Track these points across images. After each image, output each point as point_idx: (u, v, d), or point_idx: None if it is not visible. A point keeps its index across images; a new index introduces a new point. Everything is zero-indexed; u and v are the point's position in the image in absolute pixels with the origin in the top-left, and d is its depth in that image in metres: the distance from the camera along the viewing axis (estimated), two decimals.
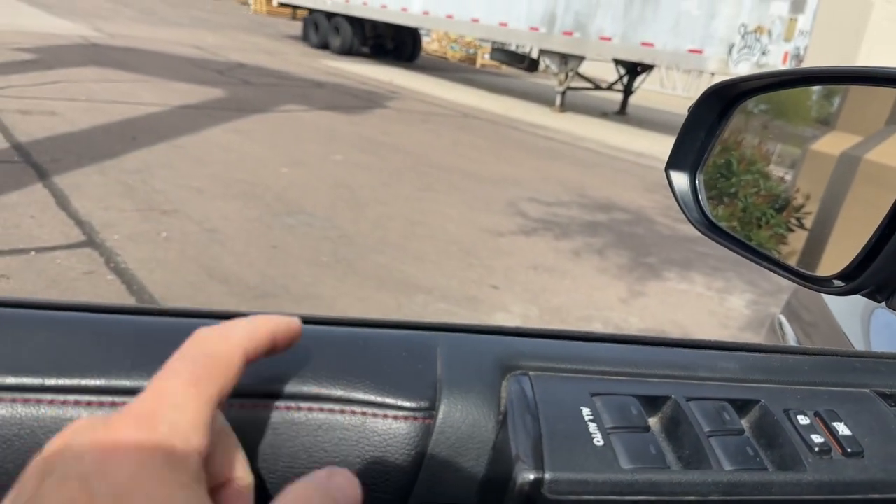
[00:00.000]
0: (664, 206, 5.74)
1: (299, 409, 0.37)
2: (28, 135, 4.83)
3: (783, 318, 1.75)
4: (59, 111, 5.63)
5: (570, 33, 10.05)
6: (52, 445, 0.28)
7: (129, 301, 2.80)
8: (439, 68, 15.00)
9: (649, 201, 5.84)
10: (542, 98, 11.88)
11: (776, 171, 0.92)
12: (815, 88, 1.01)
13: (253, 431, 0.36)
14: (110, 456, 0.27)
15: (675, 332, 3.33)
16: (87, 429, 0.29)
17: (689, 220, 0.73)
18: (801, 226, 0.84)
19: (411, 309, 3.15)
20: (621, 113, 11.44)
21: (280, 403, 0.37)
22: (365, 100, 8.89)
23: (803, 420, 0.43)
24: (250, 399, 0.36)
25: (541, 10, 10.36)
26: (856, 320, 1.40)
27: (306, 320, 0.41)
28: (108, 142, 4.99)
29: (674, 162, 0.72)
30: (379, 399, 0.38)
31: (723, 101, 0.69)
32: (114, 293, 2.83)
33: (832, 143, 0.91)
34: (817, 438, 0.41)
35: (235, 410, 0.36)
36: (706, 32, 8.76)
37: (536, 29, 10.48)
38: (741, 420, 0.43)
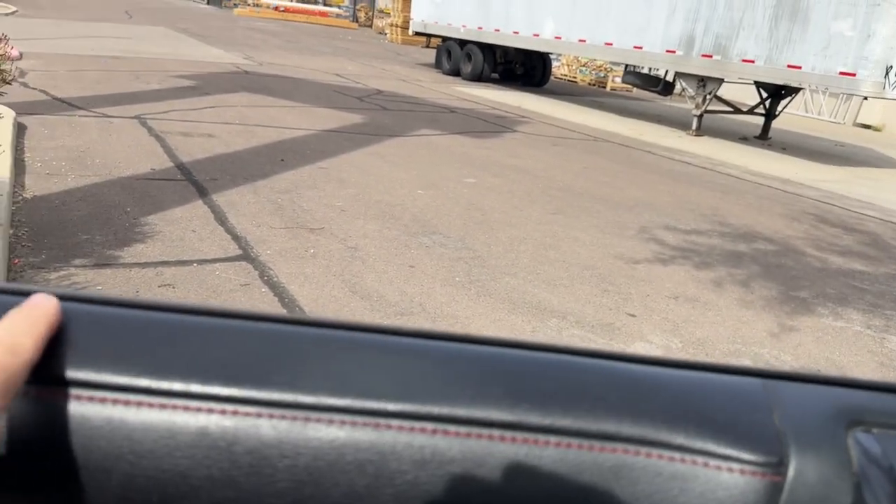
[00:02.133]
0: (814, 236, 5.37)
1: (637, 453, 0.35)
2: (189, 155, 5.27)
3: None
4: (215, 133, 6.09)
5: (709, 55, 9.70)
6: None
7: (282, 313, 2.96)
8: (568, 92, 14.92)
9: (797, 231, 5.48)
10: (676, 122, 11.52)
11: None
12: None
13: (590, 473, 0.35)
14: None
15: (832, 373, 3.09)
16: None
17: None
18: None
19: (545, 333, 3.13)
20: (763, 137, 10.86)
21: (617, 446, 0.35)
22: (495, 124, 8.99)
23: None
24: (588, 440, 0.35)
25: (678, 32, 10.08)
26: None
27: (618, 357, 0.40)
28: (259, 163, 5.33)
29: None
30: (723, 450, 0.35)
31: None
32: (267, 305, 3.01)
33: None
34: None
35: (573, 451, 0.35)
36: (860, 54, 8.17)
37: (673, 51, 10.20)
38: None
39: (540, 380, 0.37)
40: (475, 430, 0.34)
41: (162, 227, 3.74)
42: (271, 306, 2.99)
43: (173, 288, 3.05)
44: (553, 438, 0.35)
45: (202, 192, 4.44)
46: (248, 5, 27.85)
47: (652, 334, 3.25)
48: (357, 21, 30.09)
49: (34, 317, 0.33)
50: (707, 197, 6.33)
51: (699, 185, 6.84)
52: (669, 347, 3.13)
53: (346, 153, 6.08)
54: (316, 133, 6.75)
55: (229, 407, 0.33)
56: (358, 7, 30.72)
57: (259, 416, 0.33)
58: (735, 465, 0.35)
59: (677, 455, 0.35)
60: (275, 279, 3.28)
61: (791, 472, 0.35)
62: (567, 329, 3.19)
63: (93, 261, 3.21)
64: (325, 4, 30.92)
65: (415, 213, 4.61)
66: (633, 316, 3.43)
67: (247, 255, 3.53)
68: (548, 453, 0.35)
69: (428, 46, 19.96)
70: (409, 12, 17.66)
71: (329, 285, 3.31)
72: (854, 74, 8.25)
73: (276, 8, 27.31)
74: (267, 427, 0.33)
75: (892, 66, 8.15)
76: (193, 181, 4.66)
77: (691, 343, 3.20)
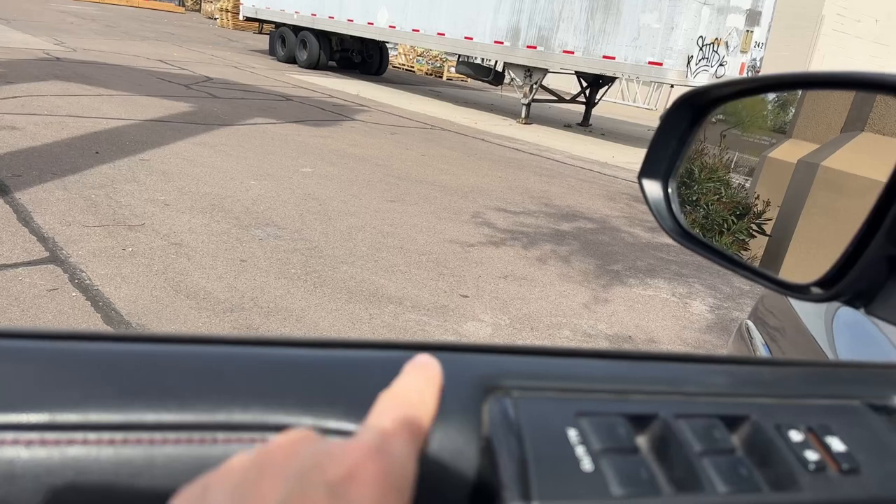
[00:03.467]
0: (627, 214, 5.85)
1: (253, 441, 0.34)
2: None
3: (751, 324, 1.77)
4: (20, 126, 5.53)
5: (533, 47, 10.20)
6: (276, 451, 0.30)
7: (94, 318, 2.76)
8: (406, 81, 15.07)
9: (613, 210, 5.94)
10: (507, 110, 12.01)
11: (736, 179, 0.94)
12: (771, 98, 1.02)
13: (201, 467, 0.33)
14: (354, 479, 0.28)
15: (641, 337, 3.39)
16: (316, 444, 0.30)
17: (662, 228, 0.72)
18: (763, 232, 0.87)
19: (382, 320, 3.17)
20: (584, 124, 11.63)
21: (243, 435, 0.34)
22: (333, 113, 8.90)
23: (796, 436, 0.41)
24: (222, 432, 0.34)
25: (505, 24, 10.51)
26: (821, 322, 1.43)
27: (270, 342, 0.40)
28: (71, 157, 4.92)
29: (646, 170, 0.71)
30: (352, 427, 0.35)
31: (694, 109, 0.69)
32: (78, 310, 2.79)
33: (789, 151, 0.94)
34: (812, 455, 0.39)
35: (196, 446, 0.33)
36: (665, 45, 8.97)
37: (501, 42, 10.61)
38: (732, 438, 0.41)
39: (161, 374, 0.35)
40: (80, 435, 0.32)
41: None
42: (83, 311, 2.78)
43: None
44: (171, 435, 0.33)
45: (3, 191, 4.02)
46: None
47: (483, 313, 3.40)
48: (183, 5, 28.42)
49: (428, 376, 0.37)
50: (535, 181, 6.69)
51: (528, 170, 7.20)
52: (499, 325, 3.29)
53: (170, 144, 5.75)
54: (137, 123, 6.32)
55: None
56: None
57: None
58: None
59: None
60: (87, 282, 3.05)
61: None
62: (403, 314, 3.26)
63: None
64: None
65: (247, 205, 4.47)
66: (466, 297, 3.56)
67: (55, 258, 3.25)
68: (164, 451, 0.33)
69: (261, 32, 19.29)
70: None
71: (150, 285, 3.13)
72: (661, 64, 9.05)
73: None
74: None
75: (692, 56, 9.01)
76: None
77: (518, 319, 3.39)
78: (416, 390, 0.36)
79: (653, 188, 0.71)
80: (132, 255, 3.43)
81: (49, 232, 3.53)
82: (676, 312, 3.79)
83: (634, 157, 9.22)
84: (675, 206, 0.72)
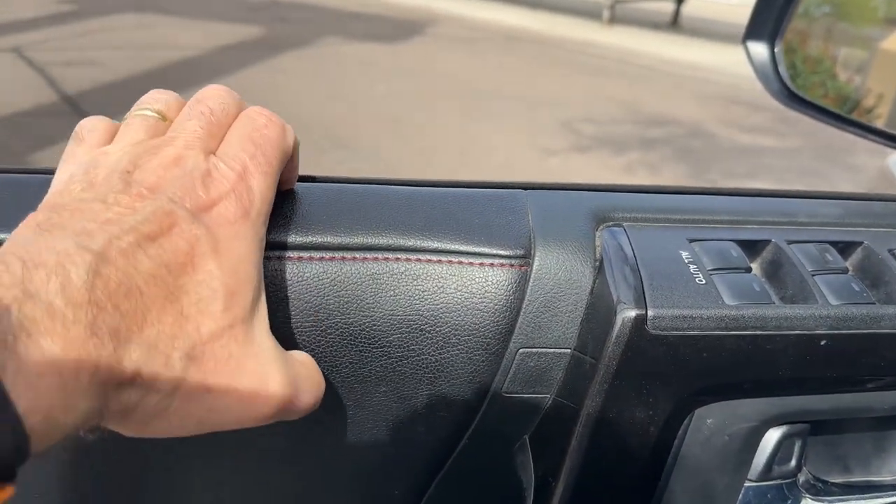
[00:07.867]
0: (723, 118, 5.46)
1: (398, 259, 0.39)
2: (75, 86, 4.87)
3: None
4: (100, 61, 5.64)
5: None
6: (153, 166, 0.32)
7: None
8: None
9: (706, 114, 5.56)
10: (588, 12, 11.36)
11: (843, 73, 0.89)
12: None
13: (354, 281, 0.38)
14: (216, 207, 0.33)
15: (591, 181, 3.19)
16: (187, 166, 0.33)
17: (769, 92, 0.70)
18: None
19: None
20: (674, 24, 10.88)
21: (379, 255, 0.38)
22: (404, 29, 8.66)
23: None
24: (350, 251, 0.38)
25: None
26: None
27: (393, 182, 0.44)
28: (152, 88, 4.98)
29: (751, 32, 0.68)
30: (474, 248, 0.39)
31: None
32: None
33: None
34: None
35: (336, 263, 0.38)
36: None
37: None
38: (845, 261, 0.42)
39: (318, 205, 0.40)
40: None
41: None
42: None
43: None
44: (316, 254, 0.38)
45: None
46: None
47: None
48: None
49: (265, 121, 0.41)
50: (621, 88, 6.32)
51: (613, 77, 6.81)
52: None
53: (245, 69, 5.75)
54: (213, 50, 6.34)
55: None
56: None
57: None
58: (487, 261, 0.39)
59: (434, 257, 0.39)
60: None
61: (536, 262, 0.39)
62: None
63: None
64: None
65: (326, 127, 4.42)
66: None
67: None
68: (310, 268, 0.38)
69: None
70: None
71: None
72: None
73: None
74: None
75: None
76: (83, 113, 4.32)
77: None
78: (259, 128, 0.37)
79: (758, 50, 0.69)
80: None
81: None
82: None
83: (730, 57, 8.56)
84: (782, 69, 0.69)
